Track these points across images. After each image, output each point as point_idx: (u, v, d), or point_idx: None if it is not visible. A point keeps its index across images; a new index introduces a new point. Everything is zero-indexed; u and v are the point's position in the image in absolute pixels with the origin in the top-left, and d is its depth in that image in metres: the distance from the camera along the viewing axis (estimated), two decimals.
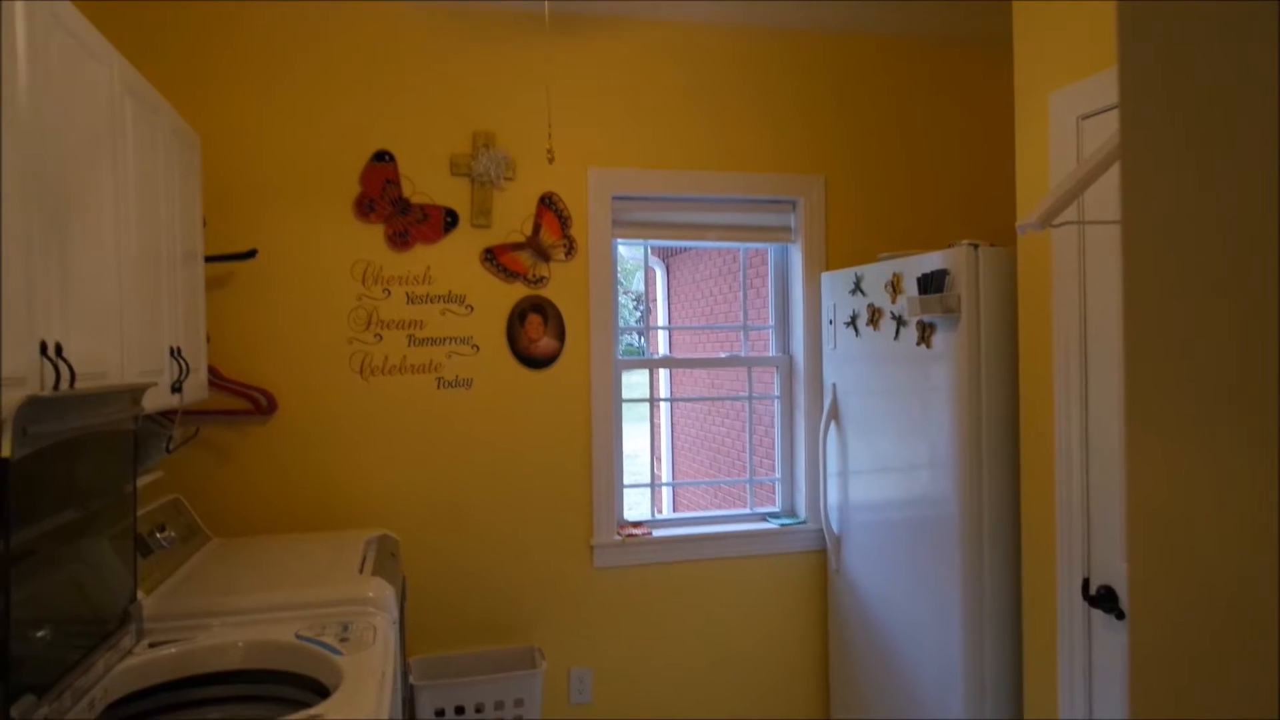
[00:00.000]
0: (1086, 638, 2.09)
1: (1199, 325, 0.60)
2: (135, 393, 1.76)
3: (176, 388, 2.13)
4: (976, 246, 2.47)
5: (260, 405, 2.81)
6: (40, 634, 1.41)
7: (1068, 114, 2.11)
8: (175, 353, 2.13)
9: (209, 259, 2.62)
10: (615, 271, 3.21)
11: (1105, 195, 1.98)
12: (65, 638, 1.53)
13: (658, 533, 3.23)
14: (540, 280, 3.08)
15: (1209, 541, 0.60)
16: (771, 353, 3.49)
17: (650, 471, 3.98)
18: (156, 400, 1.97)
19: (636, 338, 4.30)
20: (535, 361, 3.07)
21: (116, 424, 1.71)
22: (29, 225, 1.34)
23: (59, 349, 1.42)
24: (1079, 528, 2.10)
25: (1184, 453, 0.62)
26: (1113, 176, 1.89)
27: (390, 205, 2.94)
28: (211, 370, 2.69)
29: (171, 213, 2.16)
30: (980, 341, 2.46)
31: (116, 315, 1.73)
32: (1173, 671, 0.63)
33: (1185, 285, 0.62)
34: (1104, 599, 2.01)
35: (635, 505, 3.58)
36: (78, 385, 1.48)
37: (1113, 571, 2.01)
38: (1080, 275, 2.08)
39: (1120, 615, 1.98)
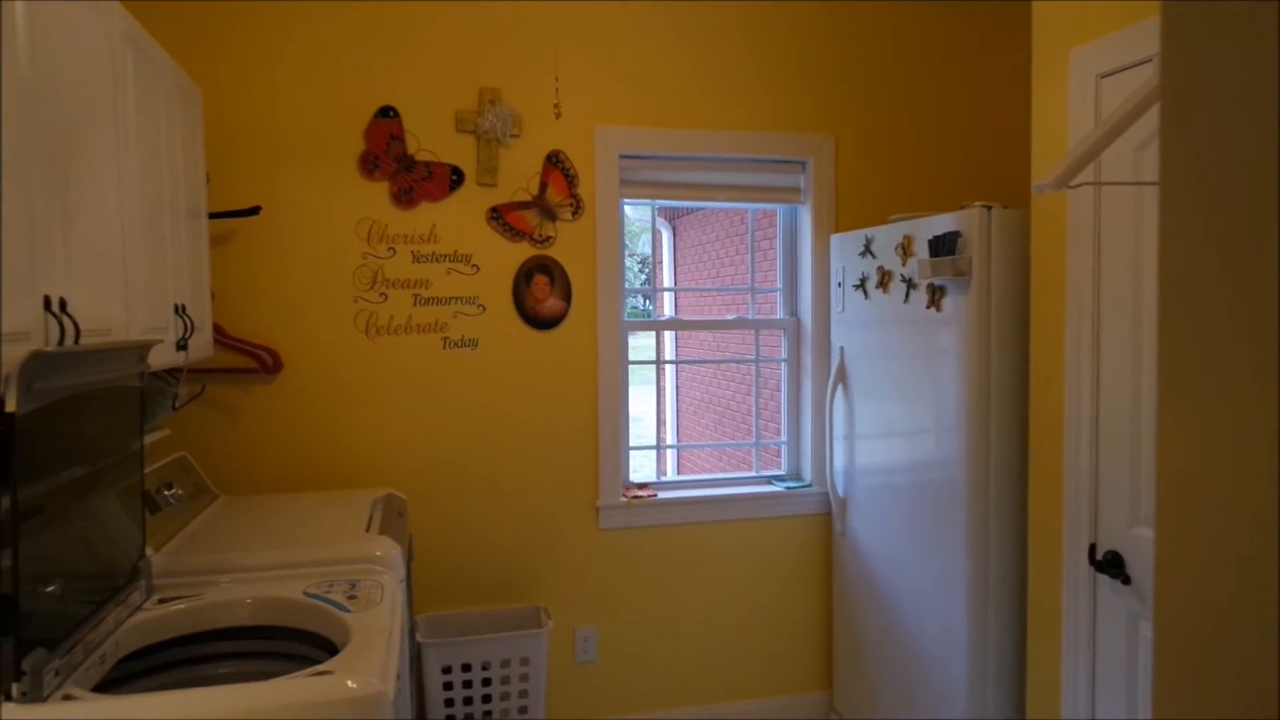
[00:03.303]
0: (1091, 603, 2.10)
1: (1234, 291, 0.58)
2: (141, 349, 1.74)
3: (182, 345, 2.12)
4: (989, 208, 2.43)
5: (266, 364, 2.80)
6: (50, 589, 1.42)
7: (1088, 72, 2.06)
8: (180, 310, 2.12)
9: (212, 215, 2.60)
10: (623, 232, 3.17)
11: (1122, 157, 1.94)
12: (75, 593, 1.53)
13: (663, 495, 3.24)
14: (547, 240, 3.05)
15: (1239, 509, 0.59)
16: (779, 315, 3.46)
17: (656, 434, 3.98)
18: (162, 358, 1.96)
19: (643, 300, 4.28)
20: (541, 322, 3.06)
21: (122, 381, 1.70)
22: (31, 178, 1.32)
23: (63, 304, 1.40)
24: (1087, 493, 2.10)
25: (1215, 419, 0.60)
26: (1129, 139, 1.85)
27: (395, 162, 2.90)
28: (216, 328, 2.68)
29: (174, 167, 2.13)
30: (991, 305, 2.43)
31: (120, 271, 1.71)
32: (1198, 637, 0.63)
33: (1223, 250, 0.60)
34: (1110, 564, 2.01)
35: (641, 467, 3.59)
36: (82, 341, 1.46)
37: (1120, 537, 2.01)
38: (1095, 239, 2.05)
39: (1126, 580, 1.98)
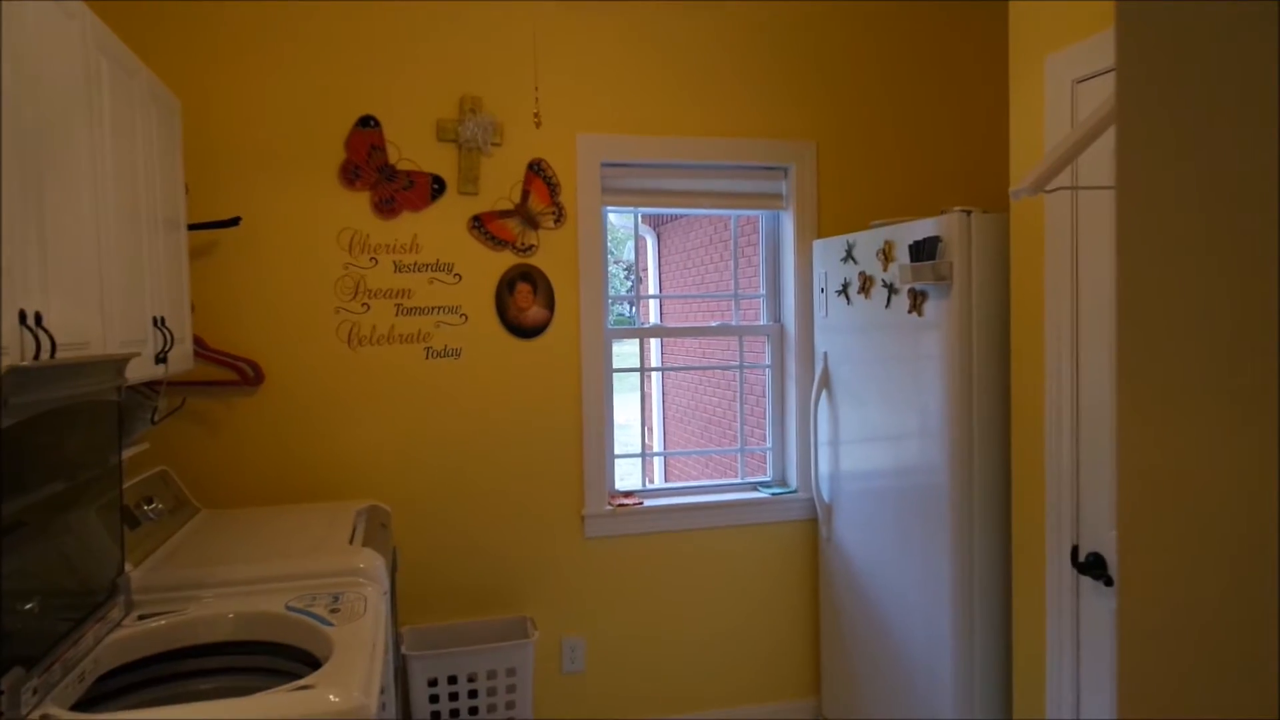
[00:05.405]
0: (1075, 604, 2.11)
1: (1191, 293, 0.59)
2: (118, 363, 1.73)
3: (161, 358, 2.10)
4: (969, 213, 2.45)
5: (247, 376, 2.78)
6: (28, 606, 1.40)
7: (1063, 77, 2.08)
8: (159, 322, 2.10)
9: (192, 227, 2.58)
10: (605, 239, 3.17)
11: (1099, 161, 1.96)
12: (54, 610, 1.52)
13: (649, 503, 3.24)
14: (529, 248, 3.05)
15: (1200, 509, 0.59)
16: (762, 321, 3.47)
17: (641, 441, 3.98)
18: (140, 371, 1.94)
19: (627, 307, 4.28)
20: (525, 331, 3.05)
21: (100, 395, 1.69)
22: (5, 190, 1.31)
23: (39, 318, 1.39)
24: (1068, 495, 2.11)
25: (1175, 420, 0.61)
26: (1106, 142, 1.87)
27: (376, 172, 2.90)
28: (197, 340, 2.66)
29: (151, 178, 2.12)
30: (972, 309, 2.45)
31: (97, 284, 1.70)
32: (1162, 638, 0.63)
33: (1178, 252, 0.60)
34: (1093, 566, 2.03)
35: (626, 475, 3.59)
36: (59, 355, 1.45)
37: (1102, 539, 2.02)
38: (1073, 242, 2.07)
39: (1109, 582, 1.99)
